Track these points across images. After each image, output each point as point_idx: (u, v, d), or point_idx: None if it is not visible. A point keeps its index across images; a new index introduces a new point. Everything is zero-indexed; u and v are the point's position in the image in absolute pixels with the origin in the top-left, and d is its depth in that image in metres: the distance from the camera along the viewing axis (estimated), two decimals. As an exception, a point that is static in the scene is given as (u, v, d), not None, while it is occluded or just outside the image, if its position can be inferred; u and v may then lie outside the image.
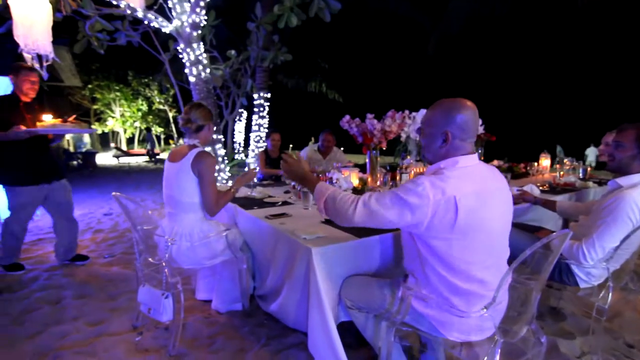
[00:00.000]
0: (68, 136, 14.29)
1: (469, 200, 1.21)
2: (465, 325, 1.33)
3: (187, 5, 4.69)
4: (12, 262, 2.98)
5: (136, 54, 6.02)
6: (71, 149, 14.31)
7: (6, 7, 3.32)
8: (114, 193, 1.93)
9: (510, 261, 1.42)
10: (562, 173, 3.36)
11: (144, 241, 2.04)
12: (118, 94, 19.13)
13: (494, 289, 1.29)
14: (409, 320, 1.44)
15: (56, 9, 3.89)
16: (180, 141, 10.94)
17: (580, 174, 3.57)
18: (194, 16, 4.73)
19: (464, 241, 1.23)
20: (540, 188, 3.06)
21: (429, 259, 1.32)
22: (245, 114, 11.68)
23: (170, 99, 18.59)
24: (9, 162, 2.72)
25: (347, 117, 2.90)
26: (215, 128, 5.34)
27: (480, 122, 3.56)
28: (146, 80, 18.51)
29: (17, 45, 3.25)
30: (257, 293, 2.31)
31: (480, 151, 4.07)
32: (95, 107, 19.72)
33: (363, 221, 1.33)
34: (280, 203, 2.43)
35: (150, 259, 2.07)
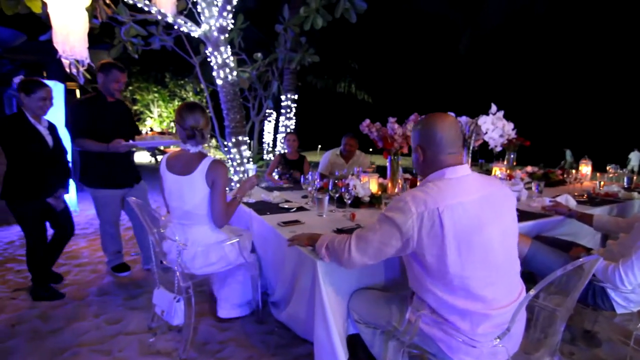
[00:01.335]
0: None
1: (455, 211, 1.17)
2: (476, 350, 1.23)
3: (215, 10, 4.78)
4: (118, 263, 3.04)
5: (173, 56, 6.22)
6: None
7: (48, 16, 3.54)
8: (130, 198, 1.97)
9: (536, 280, 1.30)
10: (602, 182, 3.09)
11: (160, 244, 2.07)
12: (156, 95, 19.98)
13: (500, 307, 1.21)
14: (417, 341, 1.36)
15: (93, 16, 4.09)
16: (213, 141, 11.18)
17: (625, 183, 3.27)
18: (221, 20, 4.81)
19: (458, 256, 1.17)
20: (578, 198, 2.82)
21: (426, 279, 1.27)
22: (274, 115, 11.81)
23: (204, 100, 19.20)
24: (93, 166, 2.75)
25: (367, 121, 2.82)
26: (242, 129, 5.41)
27: (512, 126, 3.35)
28: (182, 82, 19.21)
29: (56, 50, 3.45)
30: (270, 300, 2.30)
31: (512, 156, 3.84)
32: (135, 107, 20.72)
33: (360, 253, 1.33)
34: (294, 209, 2.40)
35: (164, 262, 2.11)
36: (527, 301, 1.13)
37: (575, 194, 3.02)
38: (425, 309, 1.31)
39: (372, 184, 2.70)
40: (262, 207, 2.44)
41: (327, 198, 2.27)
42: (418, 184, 2.64)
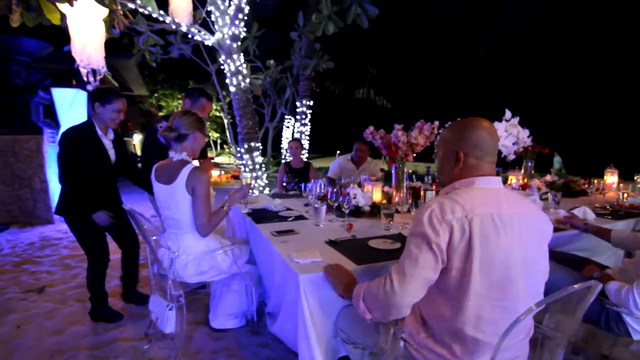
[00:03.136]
0: (136, 141, 15.67)
1: (484, 222, 1.06)
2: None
3: (228, 19, 4.86)
4: None
5: (195, 64, 6.40)
6: (138, 152, 15.66)
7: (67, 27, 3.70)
8: (125, 206, 1.99)
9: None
10: (626, 193, 2.87)
11: (154, 252, 2.08)
12: (180, 101, 20.68)
13: (506, 342, 1.07)
14: (403, 364, 1.28)
15: (111, 26, 4.24)
16: (232, 148, 11.38)
17: (654, 195, 3.03)
18: (233, 28, 4.88)
19: (479, 272, 1.05)
20: (599, 211, 2.64)
21: (438, 299, 1.15)
22: (292, 121, 11.88)
23: (226, 106, 19.65)
24: None
25: (371, 128, 2.75)
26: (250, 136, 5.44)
27: (527, 132, 3.19)
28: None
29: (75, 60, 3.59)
30: (267, 310, 2.26)
31: (530, 164, 3.66)
32: (161, 114, 21.51)
33: (405, 290, 1.11)
34: (292, 218, 2.36)
35: (159, 269, 2.11)
36: (518, 324, 1.02)
37: (597, 205, 2.83)
38: (417, 332, 1.22)
39: (376, 193, 2.63)
40: (260, 216, 2.42)
41: (324, 207, 2.21)
42: (420, 193, 2.55)
